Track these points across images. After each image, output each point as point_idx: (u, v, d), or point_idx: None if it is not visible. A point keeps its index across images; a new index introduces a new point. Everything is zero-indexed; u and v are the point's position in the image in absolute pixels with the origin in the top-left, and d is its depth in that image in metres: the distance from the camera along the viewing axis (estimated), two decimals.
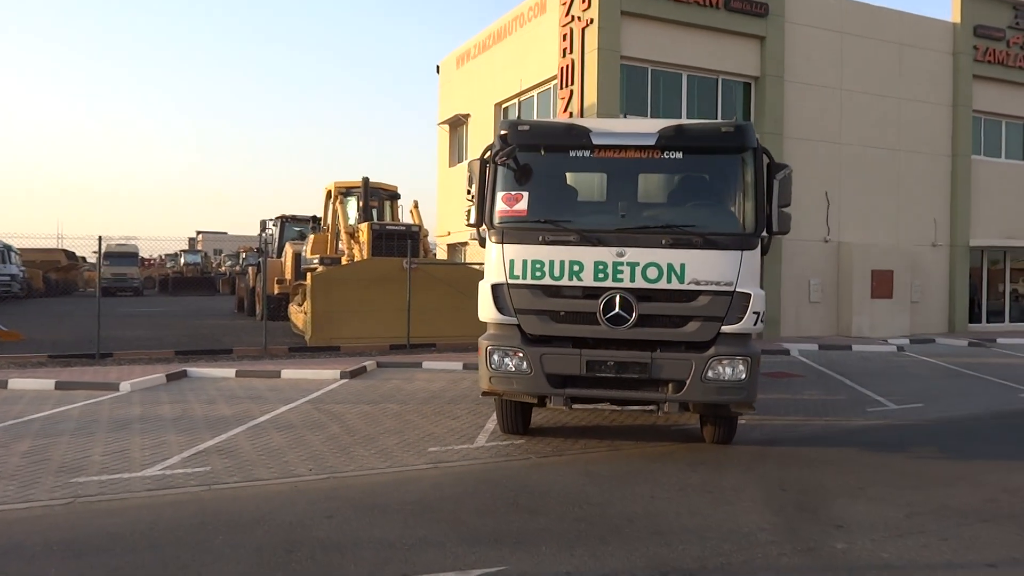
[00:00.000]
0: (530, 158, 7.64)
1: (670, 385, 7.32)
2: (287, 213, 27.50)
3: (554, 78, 19.90)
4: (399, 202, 20.99)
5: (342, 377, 12.67)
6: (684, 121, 7.58)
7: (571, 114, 18.43)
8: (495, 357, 7.50)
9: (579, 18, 18.10)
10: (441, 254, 25.80)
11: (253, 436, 8.50)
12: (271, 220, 28.00)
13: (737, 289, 7.19)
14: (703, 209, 7.72)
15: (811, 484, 6.79)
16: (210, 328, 20.77)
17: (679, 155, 7.41)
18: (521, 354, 7.41)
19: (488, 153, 7.87)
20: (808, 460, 7.70)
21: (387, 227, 17.82)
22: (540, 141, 7.62)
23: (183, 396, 11.01)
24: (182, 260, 56.35)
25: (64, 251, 42.70)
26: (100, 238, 13.87)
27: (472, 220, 7.92)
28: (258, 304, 24.53)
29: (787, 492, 6.54)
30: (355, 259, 17.63)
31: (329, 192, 20.59)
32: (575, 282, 7.34)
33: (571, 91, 18.45)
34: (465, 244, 24.49)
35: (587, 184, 8.12)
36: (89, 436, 8.41)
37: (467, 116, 24.95)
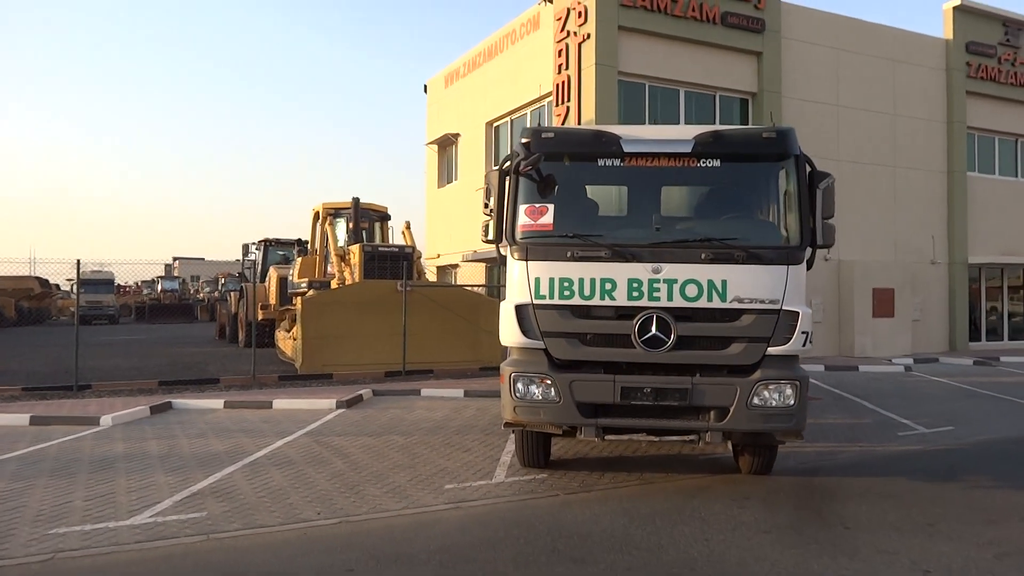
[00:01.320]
0: (554, 168, 7.06)
1: (712, 413, 6.71)
2: (270, 237, 26.73)
3: (549, 95, 19.46)
4: (389, 223, 20.33)
5: (338, 407, 11.94)
6: (720, 127, 7.05)
7: None
8: (520, 385, 6.86)
9: (575, 33, 17.69)
10: (431, 277, 25.13)
11: (250, 475, 7.76)
12: (254, 244, 27.16)
13: (784, 307, 6.63)
14: (743, 221, 7.17)
15: (875, 521, 6.18)
16: (192, 356, 19.91)
17: (716, 163, 6.86)
18: (549, 381, 6.77)
19: (508, 163, 7.28)
20: (861, 493, 7.10)
21: (379, 248, 17.14)
22: (566, 149, 7.04)
23: (169, 430, 10.22)
24: (159, 287, 55.15)
25: (37, 278, 41.42)
26: (78, 262, 13.07)
27: (491, 236, 7.31)
28: (241, 331, 23.74)
29: (853, 531, 5.93)
30: (346, 282, 16.93)
31: (317, 213, 19.90)
32: (607, 301, 6.73)
33: (567, 107, 18.00)
34: (456, 266, 23.90)
35: (616, 195, 7.55)
36: (69, 478, 7.63)
37: (457, 136, 24.44)
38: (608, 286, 6.72)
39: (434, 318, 15.95)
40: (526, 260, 6.90)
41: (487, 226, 7.38)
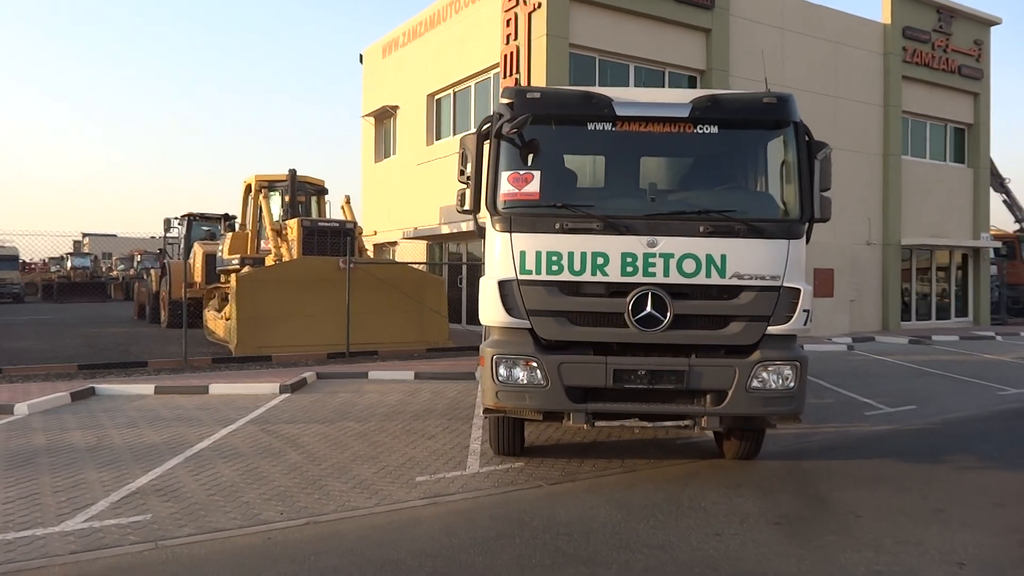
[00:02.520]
0: (538, 132, 6.46)
1: (708, 396, 6.29)
2: (194, 211, 25.23)
3: (495, 67, 18.78)
4: (327, 198, 19.32)
5: (282, 391, 11.11)
6: (716, 91, 6.59)
7: None
8: (503, 368, 6.28)
9: (525, 2, 17.03)
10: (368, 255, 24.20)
11: (195, 470, 6.96)
12: (176, 219, 25.61)
13: (785, 284, 6.24)
14: (740, 192, 6.75)
15: (882, 508, 5.89)
16: (112, 338, 18.54)
17: (714, 129, 6.39)
18: (535, 363, 6.22)
19: (488, 126, 6.65)
20: (855, 477, 6.83)
21: (319, 223, 16.19)
22: (553, 111, 6.44)
23: (95, 419, 9.24)
24: (69, 264, 51.95)
25: None
26: None
27: (467, 206, 6.68)
28: (163, 310, 22.34)
29: (864, 519, 5.61)
30: (283, 259, 15.94)
31: (249, 186, 18.72)
32: (599, 277, 6.21)
33: (516, 79, 17.36)
34: (394, 244, 23.05)
35: (605, 163, 7.00)
36: None
37: (395, 108, 23.49)
38: (600, 261, 6.20)
39: (378, 297, 15.17)
40: (510, 232, 6.31)
41: (463, 195, 6.75)
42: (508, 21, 17.62)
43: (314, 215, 18.54)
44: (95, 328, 21.55)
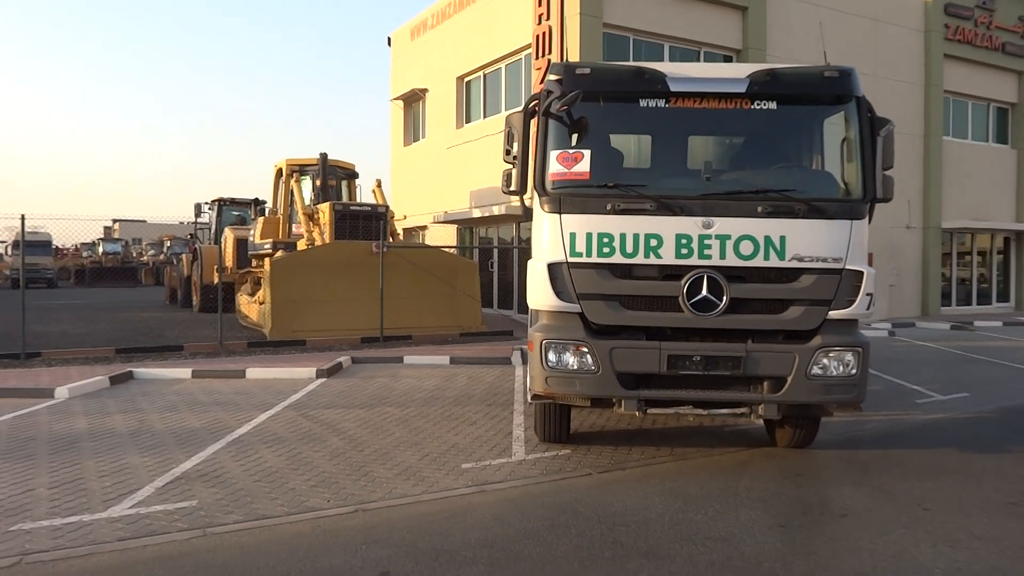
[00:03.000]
0: (588, 109, 6.23)
1: (766, 383, 6.07)
2: (224, 196, 25.26)
3: (527, 48, 18.48)
4: (357, 181, 19.20)
5: (318, 376, 11.04)
6: (774, 65, 6.31)
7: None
8: (552, 353, 6.10)
9: None
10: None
11: (238, 455, 6.88)
12: (207, 204, 25.69)
13: (847, 266, 5.99)
14: (798, 170, 6.49)
15: (952, 500, 5.65)
16: (146, 322, 18.62)
17: (772, 105, 6.12)
18: (586, 348, 6.03)
19: (535, 104, 6.44)
20: (916, 467, 6.59)
21: (351, 207, 16.08)
22: (604, 88, 6.20)
23: (135, 403, 9.21)
24: (100, 249, 52.55)
25: None
26: (23, 217, 11.73)
27: (514, 186, 6.48)
28: (195, 295, 22.41)
29: (933, 512, 5.38)
30: (315, 243, 15.85)
31: (280, 170, 18.67)
32: (653, 260, 5.99)
33: (548, 60, 17.04)
34: (424, 228, 22.92)
35: (658, 141, 6.75)
36: (28, 460, 6.64)
37: (424, 91, 23.28)
38: (653, 242, 5.98)
39: (411, 281, 15.04)
40: (559, 213, 6.10)
41: (509, 175, 6.55)
42: (540, 1, 17.29)
43: (344, 199, 18.44)
44: (128, 312, 21.69)
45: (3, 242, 51.88)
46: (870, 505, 5.56)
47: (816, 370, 5.95)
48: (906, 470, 6.52)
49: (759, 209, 5.93)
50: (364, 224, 15.78)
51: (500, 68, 19.99)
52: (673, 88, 6.06)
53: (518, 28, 18.56)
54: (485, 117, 20.67)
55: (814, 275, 5.96)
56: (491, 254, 19.95)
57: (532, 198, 6.48)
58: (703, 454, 7.08)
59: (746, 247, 5.94)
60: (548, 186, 6.20)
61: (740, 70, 6.18)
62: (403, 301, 14.84)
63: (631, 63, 6.44)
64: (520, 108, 6.55)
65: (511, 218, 18.80)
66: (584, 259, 6.04)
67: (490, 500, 5.74)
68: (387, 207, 16.70)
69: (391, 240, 16.14)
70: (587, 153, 6.11)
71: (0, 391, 9.57)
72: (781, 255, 5.94)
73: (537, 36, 17.42)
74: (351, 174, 18.98)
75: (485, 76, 20.68)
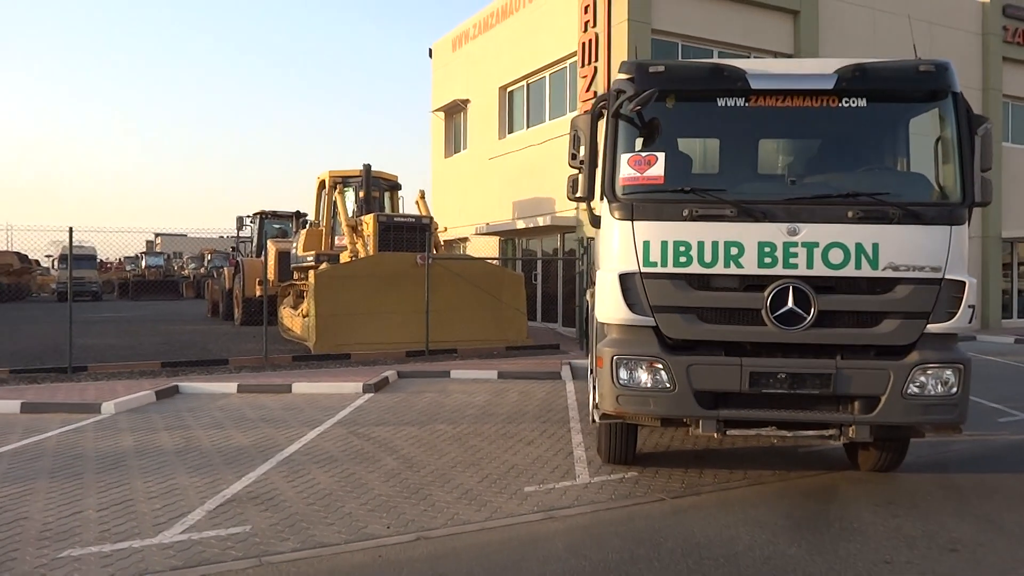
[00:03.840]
0: (659, 110, 5.85)
1: (856, 403, 5.60)
2: (266, 209, 25.30)
3: (571, 56, 18.18)
4: (400, 193, 19.00)
5: (365, 391, 10.75)
6: (861, 60, 5.88)
7: (596, 93, 16.70)
8: (624, 370, 5.70)
9: None
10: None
11: (290, 475, 6.58)
12: (248, 217, 25.77)
13: (946, 276, 5.50)
14: (890, 172, 6.04)
15: None
16: (189, 335, 18.58)
17: (861, 102, 5.68)
18: (660, 365, 5.62)
19: (603, 105, 6.08)
20: (1018, 495, 6.06)
21: (395, 219, 15.85)
22: (679, 86, 5.81)
23: (181, 419, 9.00)
24: (143, 263, 53.32)
25: (16, 253, 39.77)
26: (71, 229, 11.67)
27: (580, 192, 6.10)
28: (237, 308, 22.43)
29: None
30: (359, 255, 15.64)
31: (322, 182, 18.54)
32: (733, 270, 5.57)
33: (595, 68, 16.74)
34: (465, 240, 22.66)
35: (736, 142, 6.35)
36: (75, 479, 6.41)
37: (466, 102, 23.08)
38: (734, 251, 5.56)
39: (456, 293, 14.74)
40: (631, 220, 5.72)
41: (575, 180, 6.18)
42: (586, 7, 16.98)
43: (387, 211, 18.23)
44: (172, 325, 21.73)
45: (50, 256, 53.02)
46: (979, 538, 5.06)
47: (913, 389, 5.47)
48: (1007, 497, 6.00)
49: (849, 214, 5.48)
50: (408, 236, 15.53)
51: (544, 77, 19.70)
52: (754, 86, 5.66)
53: (562, 36, 18.27)
54: (528, 127, 20.38)
55: (910, 285, 5.49)
56: (534, 266, 19.58)
57: (599, 204, 6.11)
58: (780, 478, 6.61)
59: (835, 255, 5.49)
60: (619, 191, 5.82)
61: (825, 65, 5.75)
62: (448, 314, 14.53)
63: (707, 60, 6.04)
64: (583, 111, 6.19)
65: (556, 229, 18.44)
66: (659, 269, 5.65)
67: (560, 528, 5.34)
68: (431, 218, 16.44)
69: (435, 252, 15.86)
70: (661, 156, 5.73)
71: (48, 405, 9.43)
72: (874, 264, 5.48)
73: (583, 43, 17.12)
74: (394, 185, 18.78)
75: (528, 85, 20.41)
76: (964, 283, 5.51)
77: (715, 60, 5.94)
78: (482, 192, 22.10)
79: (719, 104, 5.78)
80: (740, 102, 5.74)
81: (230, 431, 8.32)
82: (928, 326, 5.51)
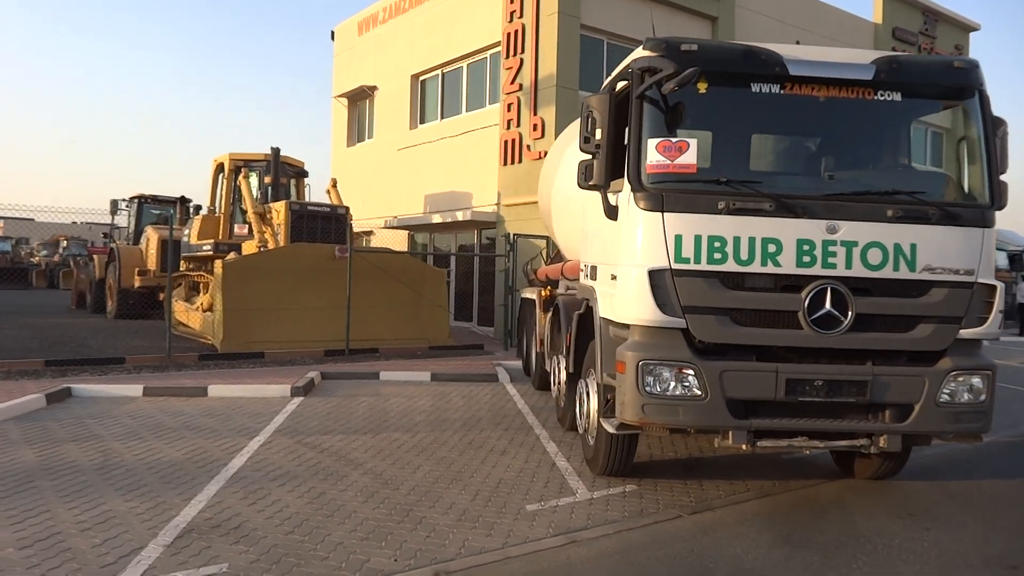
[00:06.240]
0: (687, 93, 5.36)
1: (888, 411, 5.33)
2: (144, 192, 23.13)
3: (492, 47, 17.59)
4: (306, 181, 17.73)
5: (294, 394, 9.71)
6: (896, 53, 5.62)
7: (520, 86, 16.20)
8: (651, 376, 5.17)
9: None
10: None
11: (248, 497, 5.63)
12: (124, 200, 23.52)
13: (979, 279, 5.33)
14: (922, 170, 5.86)
15: None
16: (59, 329, 16.50)
17: (897, 96, 5.42)
18: (691, 371, 5.14)
19: (624, 85, 5.54)
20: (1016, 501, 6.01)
21: (309, 207, 14.67)
22: (713, 68, 5.34)
23: (85, 427, 7.71)
24: None
25: None
26: None
27: (595, 179, 5.53)
28: (110, 300, 20.34)
29: None
30: (267, 245, 14.37)
31: (220, 165, 17.02)
32: (770, 268, 5.17)
33: (520, 60, 16.23)
34: (370, 233, 21.55)
35: (764, 131, 5.95)
36: None
37: (373, 89, 21.99)
38: (772, 248, 5.16)
39: (377, 289, 13.77)
40: (661, 211, 5.20)
41: (588, 166, 5.61)
42: None
43: (293, 199, 16.95)
44: (33, 318, 19.32)
45: None
46: (1007, 550, 4.88)
47: (944, 396, 5.27)
48: (1010, 504, 5.92)
49: (889, 213, 5.20)
50: (323, 225, 14.43)
51: (461, 67, 18.98)
52: (793, 72, 5.27)
53: (483, 26, 17.64)
54: (442, 118, 19.60)
55: (945, 289, 5.28)
56: (447, 262, 18.81)
57: (619, 193, 5.55)
58: (783, 488, 6.29)
59: (874, 255, 5.20)
60: (645, 180, 5.28)
61: (862, 55, 5.46)
62: (368, 311, 13.54)
63: (737, 43, 5.61)
64: (602, 90, 5.62)
65: (474, 224, 17.79)
66: (691, 266, 5.16)
67: (590, 554, 4.74)
68: (348, 208, 15.37)
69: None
70: (693, 142, 5.24)
71: None
72: (912, 265, 5.23)
73: (508, 34, 16.57)
74: (300, 172, 17.51)
75: (443, 75, 19.63)
76: (995, 287, 5.36)
77: (746, 43, 5.52)
78: (389, 184, 21.11)
79: (752, 89, 5.36)
80: (775, 88, 5.35)
81: (152, 442, 7.16)
82: (960, 331, 5.31)
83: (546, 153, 14.84)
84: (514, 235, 15.03)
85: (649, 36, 5.62)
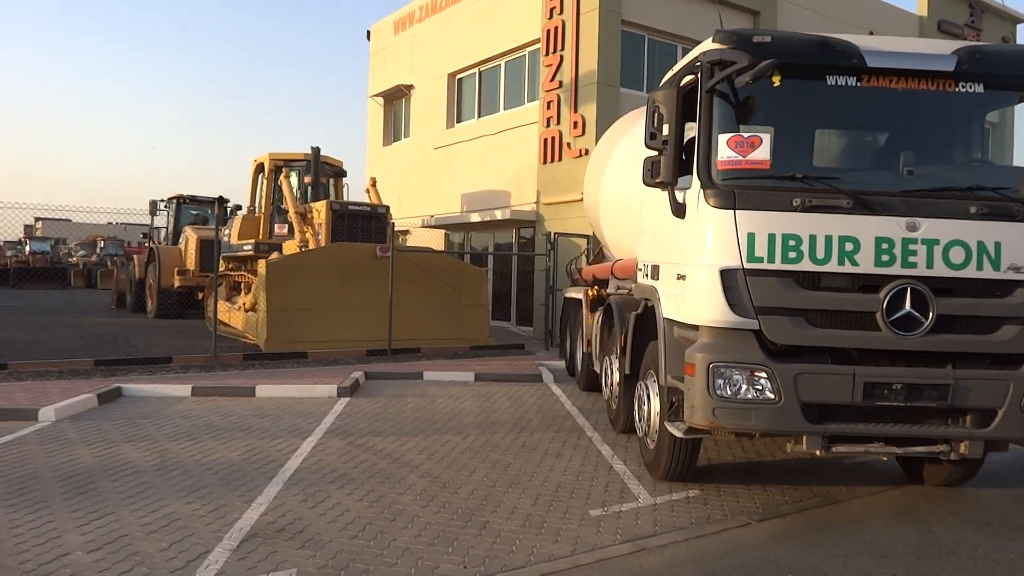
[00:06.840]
0: (759, 87, 5.18)
1: (969, 416, 5.12)
2: (183, 193, 23.33)
3: (531, 44, 17.46)
4: (345, 180, 17.75)
5: (341, 395, 9.68)
6: (977, 43, 5.42)
7: (560, 83, 16.05)
8: (722, 379, 5.02)
9: None
10: None
11: (306, 498, 5.57)
12: (162, 201, 23.73)
13: None
14: (1000, 165, 5.63)
15: None
16: (103, 328, 16.71)
17: (979, 88, 5.21)
18: (764, 374, 4.97)
19: (688, 78, 5.39)
20: None
21: (350, 207, 14.66)
22: (787, 60, 5.16)
23: (138, 427, 7.73)
24: (27, 248, 48.99)
25: None
26: None
27: (663, 176, 5.39)
28: (150, 299, 20.53)
29: None
30: (308, 245, 14.39)
31: (260, 165, 17.08)
32: (848, 267, 4.99)
33: (561, 57, 16.07)
34: (406, 232, 21.51)
35: (840, 125, 5.77)
36: (41, 507, 5.18)
37: (410, 88, 21.96)
38: (849, 247, 4.98)
39: (418, 289, 13.73)
40: (733, 208, 5.04)
41: (654, 163, 5.46)
42: None
43: (332, 198, 16.98)
44: (76, 317, 19.63)
45: None
46: None
47: None
48: None
49: (972, 209, 5.00)
50: (363, 225, 14.41)
51: (499, 65, 18.87)
52: (871, 63, 5.08)
53: (522, 23, 17.50)
54: (479, 117, 19.51)
55: None
56: (485, 261, 18.72)
57: (688, 190, 5.40)
58: (849, 494, 6.10)
59: (956, 254, 4.99)
60: (715, 176, 5.13)
61: (942, 45, 5.26)
62: (409, 310, 13.51)
63: (811, 33, 5.43)
64: (667, 84, 5.47)
65: (512, 223, 17.67)
66: (765, 265, 5.00)
67: (663, 563, 4.60)
68: (388, 208, 15.34)
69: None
70: (766, 137, 5.07)
71: None
72: (996, 265, 5.02)
73: (548, 31, 16.43)
74: (339, 172, 17.53)
75: (481, 73, 19.53)
76: None
77: (822, 33, 5.33)
78: (426, 183, 21.07)
79: (828, 82, 5.17)
80: (852, 80, 5.16)
81: (207, 443, 7.15)
82: None
83: (587, 151, 14.73)
84: (555, 234, 14.89)
85: (718, 28, 5.39)
